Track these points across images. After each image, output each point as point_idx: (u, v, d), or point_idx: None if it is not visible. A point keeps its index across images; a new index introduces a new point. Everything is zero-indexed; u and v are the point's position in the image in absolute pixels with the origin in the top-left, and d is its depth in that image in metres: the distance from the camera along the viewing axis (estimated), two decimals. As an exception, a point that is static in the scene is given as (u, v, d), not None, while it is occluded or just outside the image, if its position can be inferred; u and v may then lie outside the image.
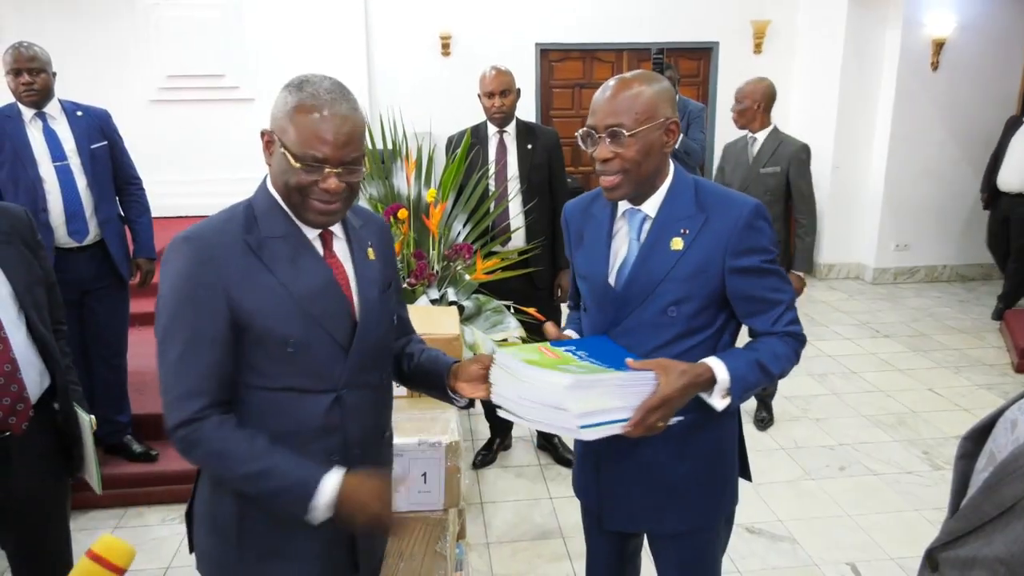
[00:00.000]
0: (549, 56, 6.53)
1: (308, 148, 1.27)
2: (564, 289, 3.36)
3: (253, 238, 1.32)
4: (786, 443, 3.70)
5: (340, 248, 1.42)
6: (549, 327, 1.59)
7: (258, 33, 6.07)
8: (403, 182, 2.76)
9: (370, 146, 2.88)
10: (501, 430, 3.62)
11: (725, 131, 4.71)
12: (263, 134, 1.35)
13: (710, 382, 1.43)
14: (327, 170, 1.28)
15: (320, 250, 1.38)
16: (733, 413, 1.65)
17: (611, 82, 1.48)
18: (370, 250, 1.46)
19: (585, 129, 1.48)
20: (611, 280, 1.56)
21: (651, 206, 1.54)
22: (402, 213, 2.56)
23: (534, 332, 2.64)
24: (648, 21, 6.42)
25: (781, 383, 4.19)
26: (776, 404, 4.07)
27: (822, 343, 4.99)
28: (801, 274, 3.56)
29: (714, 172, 3.96)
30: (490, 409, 3.56)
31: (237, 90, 6.12)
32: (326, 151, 1.27)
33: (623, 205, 1.57)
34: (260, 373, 1.34)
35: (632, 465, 1.60)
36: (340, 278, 1.39)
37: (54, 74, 2.98)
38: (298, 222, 1.35)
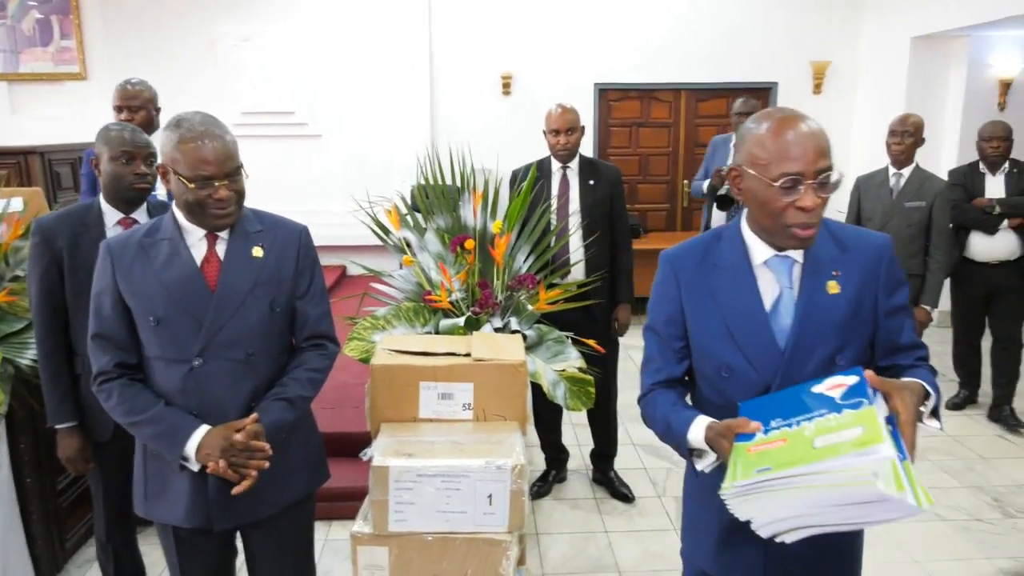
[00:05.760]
0: (607, 95, 6.64)
1: (197, 170, 1.62)
2: (621, 323, 3.39)
3: (150, 240, 1.73)
4: (848, 485, 3.61)
5: (221, 247, 1.75)
6: (744, 422, 1.31)
7: (327, 73, 6.34)
8: (470, 214, 2.85)
9: (431, 179, 2.98)
10: (557, 462, 3.64)
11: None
12: (158, 167, 1.69)
13: (924, 397, 1.32)
14: (216, 184, 1.64)
15: (204, 248, 1.74)
16: None
17: (796, 121, 1.34)
18: (257, 248, 1.77)
19: (790, 177, 1.32)
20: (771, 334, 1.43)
21: (797, 250, 1.44)
22: (469, 243, 2.64)
23: (593, 363, 2.67)
24: (706, 61, 6.49)
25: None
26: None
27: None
28: (928, 308, 3.68)
29: (847, 206, 4.02)
30: (545, 440, 3.59)
31: (306, 126, 6.39)
32: (211, 169, 1.62)
33: (762, 253, 1.45)
34: (143, 344, 1.73)
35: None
36: (210, 269, 1.73)
37: (158, 110, 3.18)
38: (186, 226, 1.73)
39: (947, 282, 4.20)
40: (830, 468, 1.12)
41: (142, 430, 1.71)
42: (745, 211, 1.49)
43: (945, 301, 4.33)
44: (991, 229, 4.09)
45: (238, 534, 1.94)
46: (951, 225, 3.97)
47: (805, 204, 1.32)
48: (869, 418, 1.16)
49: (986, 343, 4.39)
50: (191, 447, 1.67)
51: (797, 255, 1.44)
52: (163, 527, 1.85)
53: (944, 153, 6.06)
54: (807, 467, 1.13)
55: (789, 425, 1.23)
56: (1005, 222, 4.06)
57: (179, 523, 1.78)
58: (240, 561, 1.99)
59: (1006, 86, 5.87)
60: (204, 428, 1.68)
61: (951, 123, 6.01)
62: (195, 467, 1.69)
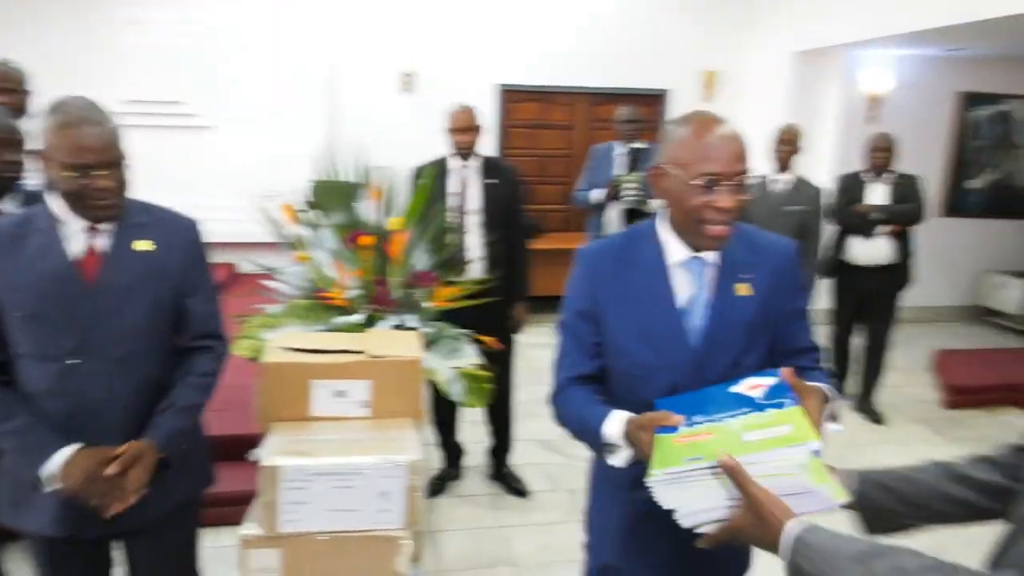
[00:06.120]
0: (508, 96, 6.70)
1: (76, 158, 1.52)
2: (517, 320, 3.44)
3: (22, 231, 1.62)
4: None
5: (102, 239, 1.66)
6: (666, 415, 1.30)
7: (220, 64, 6.08)
8: (367, 210, 2.82)
9: (328, 175, 2.93)
10: (453, 459, 3.65)
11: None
12: (35, 154, 1.60)
13: (826, 401, 1.37)
14: (97, 173, 1.55)
15: (83, 241, 1.63)
16: None
17: (718, 124, 1.41)
18: (142, 242, 1.69)
19: (709, 177, 1.36)
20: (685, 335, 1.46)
21: (712, 252, 1.47)
22: (365, 240, 2.61)
23: (489, 360, 2.71)
24: (602, 67, 6.66)
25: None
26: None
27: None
28: None
29: None
30: (441, 437, 3.60)
31: (196, 117, 6.12)
32: (92, 157, 1.53)
33: (679, 253, 1.47)
34: (10, 341, 1.62)
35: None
36: (88, 263, 1.63)
37: (30, 93, 3.01)
38: (61, 218, 1.63)
39: (828, 281, 4.53)
40: (761, 460, 1.14)
41: (2, 440, 1.61)
42: (662, 211, 1.52)
43: (825, 299, 4.64)
44: (870, 234, 4.30)
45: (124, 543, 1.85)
46: (831, 228, 4.24)
47: (722, 204, 1.36)
48: (796, 416, 1.20)
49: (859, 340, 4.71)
50: (53, 468, 1.57)
51: (712, 257, 1.47)
52: (31, 537, 1.74)
53: (821, 160, 6.46)
54: (739, 459, 1.14)
55: (713, 421, 1.25)
56: (882, 228, 4.28)
57: (46, 532, 1.69)
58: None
59: (875, 101, 6.33)
60: (69, 449, 1.59)
61: (828, 133, 6.42)
62: (54, 487, 1.59)
